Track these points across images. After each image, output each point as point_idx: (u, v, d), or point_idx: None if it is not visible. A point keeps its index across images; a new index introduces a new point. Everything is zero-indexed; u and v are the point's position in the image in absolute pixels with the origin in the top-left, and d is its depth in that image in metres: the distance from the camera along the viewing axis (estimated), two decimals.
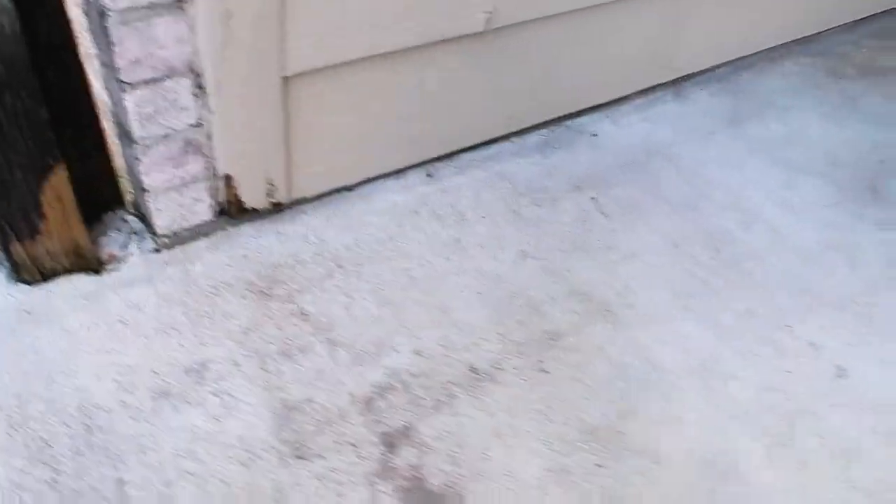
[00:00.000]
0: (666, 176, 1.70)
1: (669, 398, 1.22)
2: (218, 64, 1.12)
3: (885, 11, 2.61)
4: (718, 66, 2.14)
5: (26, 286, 1.23)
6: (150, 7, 1.03)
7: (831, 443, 1.18)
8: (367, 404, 1.16)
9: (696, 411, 1.20)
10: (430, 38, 1.36)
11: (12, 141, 1.04)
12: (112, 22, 1.01)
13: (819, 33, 2.41)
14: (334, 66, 1.28)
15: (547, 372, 1.24)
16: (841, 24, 2.47)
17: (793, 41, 2.33)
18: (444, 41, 1.40)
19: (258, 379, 1.16)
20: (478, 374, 1.22)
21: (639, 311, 1.36)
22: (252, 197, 1.35)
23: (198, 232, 1.36)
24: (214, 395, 1.13)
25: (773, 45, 2.27)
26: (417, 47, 1.36)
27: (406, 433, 1.12)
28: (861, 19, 2.54)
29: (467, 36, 1.42)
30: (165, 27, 1.06)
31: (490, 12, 1.38)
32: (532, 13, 1.48)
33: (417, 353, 1.24)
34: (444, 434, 1.13)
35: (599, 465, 1.11)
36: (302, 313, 1.27)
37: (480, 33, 1.43)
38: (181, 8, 1.05)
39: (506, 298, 1.35)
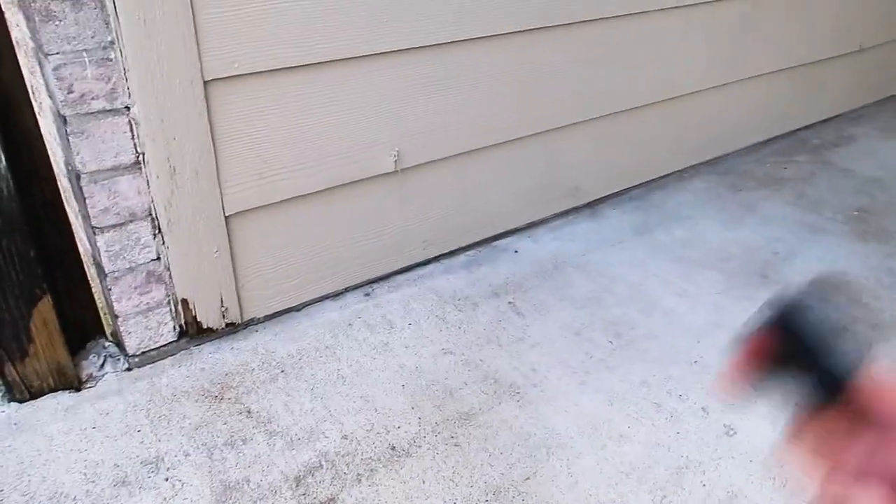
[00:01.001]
0: (575, 279, 1.95)
1: (566, 459, 1.39)
2: (169, 208, 1.44)
3: (785, 134, 2.98)
4: (631, 189, 2.46)
5: (17, 404, 1.47)
6: (114, 169, 1.36)
7: (717, 492, 1.32)
8: (297, 481, 1.34)
9: (590, 469, 1.36)
10: (349, 178, 1.69)
11: (6, 275, 1.34)
12: (85, 181, 1.34)
13: (726, 154, 2.76)
14: (269, 206, 1.60)
15: (458, 445, 1.42)
16: (746, 146, 2.82)
17: (702, 163, 2.67)
18: (365, 180, 1.73)
19: (204, 466, 1.36)
20: (396, 452, 1.40)
21: (541, 389, 1.55)
22: (208, 318, 1.62)
23: (164, 351, 1.61)
24: (166, 480, 1.33)
25: (683, 166, 2.61)
26: (341, 186, 1.69)
27: (331, 503, 1.30)
28: (764, 141, 2.89)
29: (383, 175, 1.75)
30: (127, 183, 1.39)
31: (396, 155, 1.72)
32: (433, 155, 1.82)
33: (344, 437, 1.43)
34: (362, 501, 1.30)
35: None
36: (248, 411, 1.49)
37: (393, 172, 1.76)
38: (138, 168, 1.38)
39: (425, 387, 1.56)
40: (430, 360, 1.63)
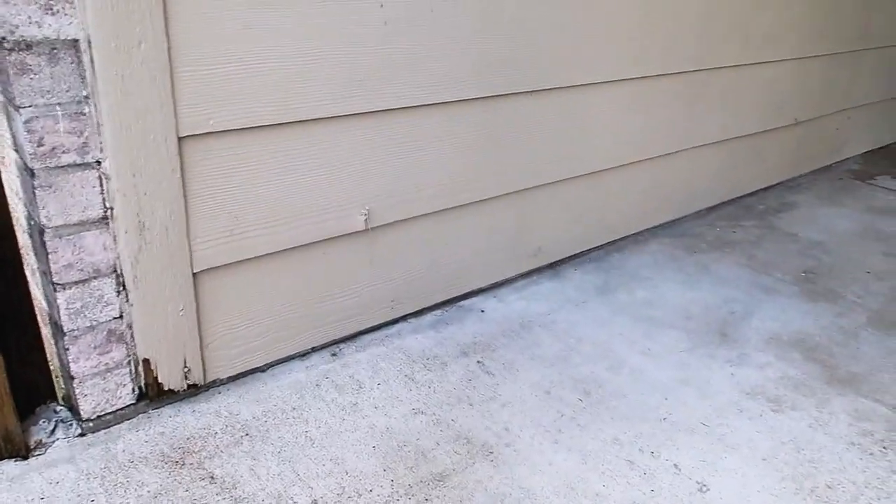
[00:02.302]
0: (542, 338, 1.96)
1: None
2: (136, 265, 1.40)
3: (731, 199, 3.12)
4: (591, 250, 2.52)
5: None
6: (81, 224, 1.33)
7: None
8: None
9: None
10: (320, 236, 1.69)
11: None
12: (49, 236, 1.29)
13: (679, 219, 2.86)
14: (238, 263, 1.57)
15: None
16: (696, 210, 2.94)
17: (657, 226, 2.76)
18: (335, 238, 1.72)
19: None
20: None
21: (515, 448, 1.53)
22: (170, 379, 1.56)
23: (121, 415, 1.53)
24: None
25: (639, 230, 2.69)
26: (311, 244, 1.68)
27: None
28: (712, 206, 3.02)
29: (353, 233, 1.75)
30: (93, 238, 1.35)
31: (366, 214, 1.73)
32: (403, 214, 1.83)
33: (314, 501, 1.38)
34: None
35: None
36: (211, 476, 1.42)
37: (364, 231, 1.76)
38: (105, 223, 1.35)
39: (396, 448, 1.52)
40: (401, 420, 1.60)
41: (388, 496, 1.40)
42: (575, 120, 2.18)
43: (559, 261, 2.40)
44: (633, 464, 1.51)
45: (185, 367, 1.57)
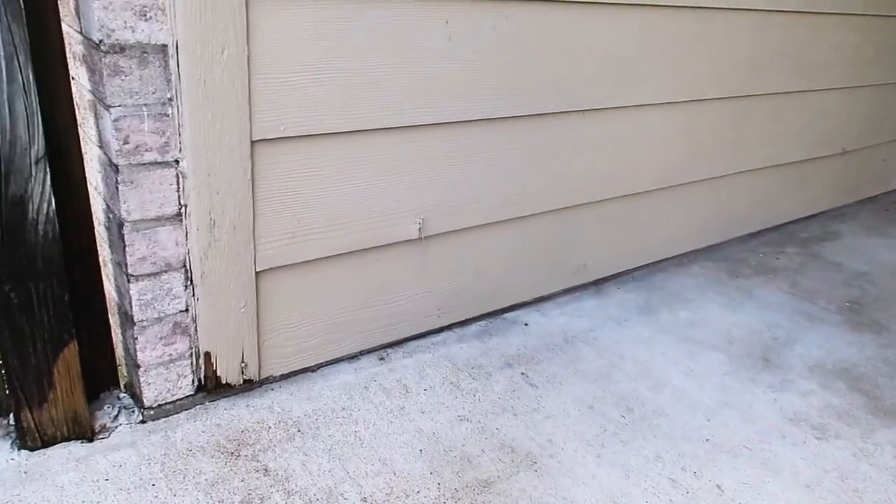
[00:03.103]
0: (585, 354, 1.98)
1: None
2: (204, 261, 1.46)
3: (775, 226, 3.11)
4: (634, 270, 2.53)
5: (27, 451, 1.44)
6: (157, 219, 1.39)
7: None
8: None
9: None
10: (375, 243, 1.74)
11: (39, 318, 1.34)
12: (127, 229, 1.36)
13: (721, 243, 2.86)
14: (297, 264, 1.63)
15: None
16: (739, 235, 2.94)
17: (699, 249, 2.77)
18: (389, 245, 1.77)
19: None
20: None
21: (558, 459, 1.56)
22: (228, 373, 1.62)
23: (180, 405, 1.59)
24: None
25: (681, 252, 2.70)
26: (366, 249, 1.73)
27: None
28: (755, 232, 3.02)
29: (406, 241, 1.80)
30: (167, 234, 1.42)
31: (420, 223, 1.78)
32: (454, 226, 1.88)
33: (363, 499, 1.42)
34: None
35: None
36: (265, 469, 1.47)
37: (416, 240, 1.81)
38: (179, 220, 1.42)
39: (443, 452, 1.55)
40: (447, 426, 1.64)
41: (435, 499, 1.43)
42: (621, 140, 2.21)
43: (602, 278, 2.42)
44: (675, 482, 1.52)
45: (243, 362, 1.62)
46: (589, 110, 2.06)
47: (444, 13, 1.62)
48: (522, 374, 1.87)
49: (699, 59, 2.29)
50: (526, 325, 2.12)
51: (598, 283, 2.41)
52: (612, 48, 2.01)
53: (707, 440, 1.66)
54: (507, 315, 2.16)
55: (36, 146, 1.24)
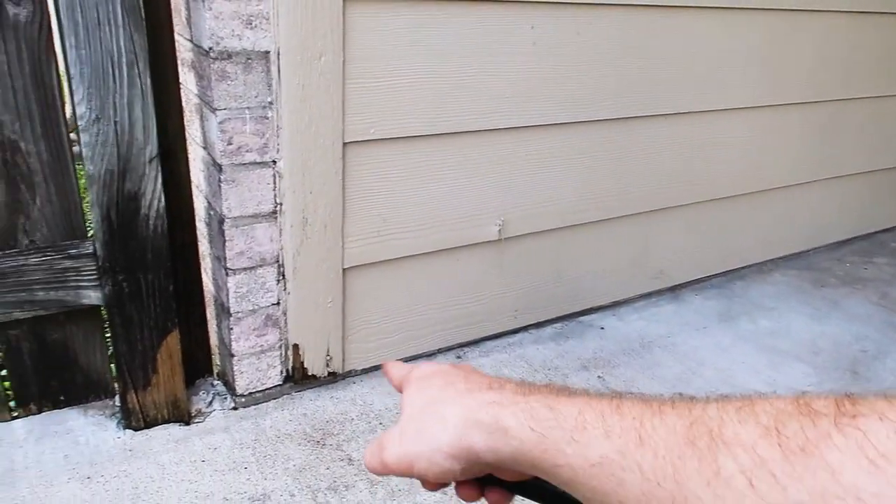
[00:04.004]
0: (662, 359, 1.97)
1: None
2: (296, 257, 1.53)
3: (864, 235, 2.99)
4: (713, 277, 2.49)
5: (132, 431, 1.54)
6: (254, 216, 1.47)
7: None
8: None
9: None
10: (457, 243, 1.78)
11: (147, 307, 1.43)
12: (227, 225, 1.45)
13: (806, 251, 2.78)
14: (382, 262, 1.68)
15: None
16: (825, 244, 2.84)
17: (782, 257, 2.70)
18: (469, 245, 1.81)
19: None
20: None
21: None
22: (314, 365, 1.68)
23: (268, 394, 1.67)
24: None
25: (763, 259, 2.64)
26: (448, 249, 1.77)
27: None
28: (843, 241, 2.91)
29: (486, 242, 1.83)
30: (263, 230, 1.49)
31: (500, 224, 1.81)
32: (533, 227, 1.90)
33: (444, 492, 1.45)
34: None
35: None
36: (348, 458, 1.53)
37: (496, 240, 1.84)
38: (274, 217, 1.49)
39: None
40: None
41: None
42: (704, 144, 2.18)
43: (680, 284, 2.39)
44: None
45: (328, 355, 1.69)
46: (672, 114, 2.04)
47: (530, 18, 1.65)
48: (599, 377, 1.87)
49: (789, 61, 2.23)
50: (602, 328, 2.12)
51: (675, 290, 2.38)
52: (696, 51, 1.99)
53: None
54: (582, 318, 2.16)
55: (150, 147, 1.33)
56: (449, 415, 0.46)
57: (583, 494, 0.39)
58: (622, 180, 2.03)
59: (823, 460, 0.28)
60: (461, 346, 1.95)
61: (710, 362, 1.96)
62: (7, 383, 1.52)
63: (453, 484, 0.51)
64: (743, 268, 2.58)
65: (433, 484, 0.50)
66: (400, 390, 0.54)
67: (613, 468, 0.36)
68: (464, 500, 0.52)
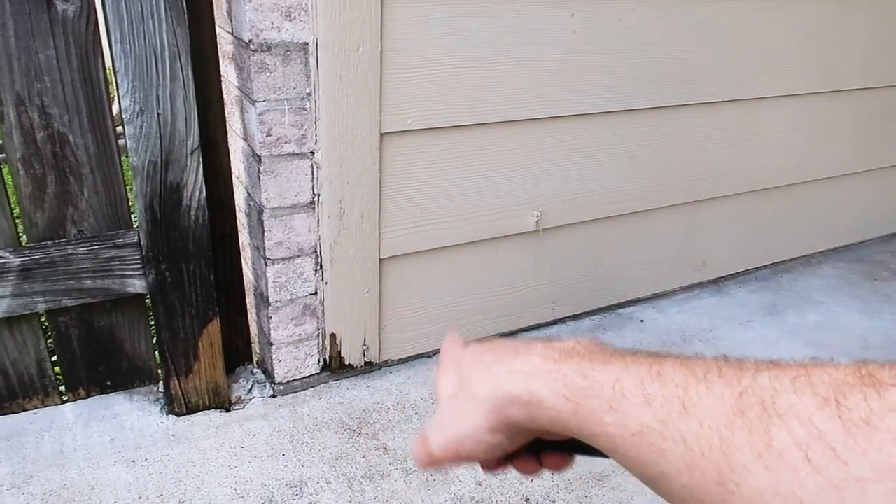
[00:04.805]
0: (704, 353, 1.92)
1: None
2: (334, 247, 1.55)
3: None
4: (757, 269, 2.43)
5: (174, 416, 1.58)
6: (292, 207, 1.49)
7: None
8: None
9: None
10: (494, 234, 1.77)
11: (188, 296, 1.47)
12: (266, 216, 1.46)
13: (857, 243, 2.69)
14: (418, 253, 1.69)
15: None
16: (878, 235, 2.74)
17: (831, 249, 2.61)
18: (506, 236, 1.80)
19: (345, 495, 1.41)
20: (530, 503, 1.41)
21: None
22: (351, 355, 1.70)
23: (306, 383, 1.69)
24: None
25: (811, 252, 2.56)
26: (485, 240, 1.77)
27: None
28: None
29: (524, 233, 1.82)
30: (301, 221, 1.51)
31: (538, 215, 1.79)
32: (571, 219, 1.87)
33: (478, 483, 1.46)
34: None
35: None
36: (384, 447, 1.54)
37: (534, 231, 1.82)
38: (312, 208, 1.50)
39: None
40: None
41: (549, 488, 1.45)
42: (749, 133, 2.12)
43: (723, 277, 2.34)
44: None
45: (365, 344, 1.70)
46: (716, 102, 1.99)
47: (570, 6, 1.62)
48: None
49: (840, 46, 2.15)
50: (642, 321, 2.09)
51: (718, 282, 2.33)
52: (742, 37, 1.94)
53: None
54: (621, 311, 2.13)
55: (191, 138, 1.36)
56: (481, 392, 0.45)
57: (624, 463, 0.38)
58: (664, 170, 1.99)
59: (891, 433, 0.26)
60: (497, 337, 1.95)
61: (754, 357, 1.91)
62: (57, 368, 1.57)
63: (510, 466, 0.51)
64: (790, 260, 2.51)
65: (491, 463, 0.50)
66: None
67: (654, 437, 0.35)
68: (525, 474, 0.51)
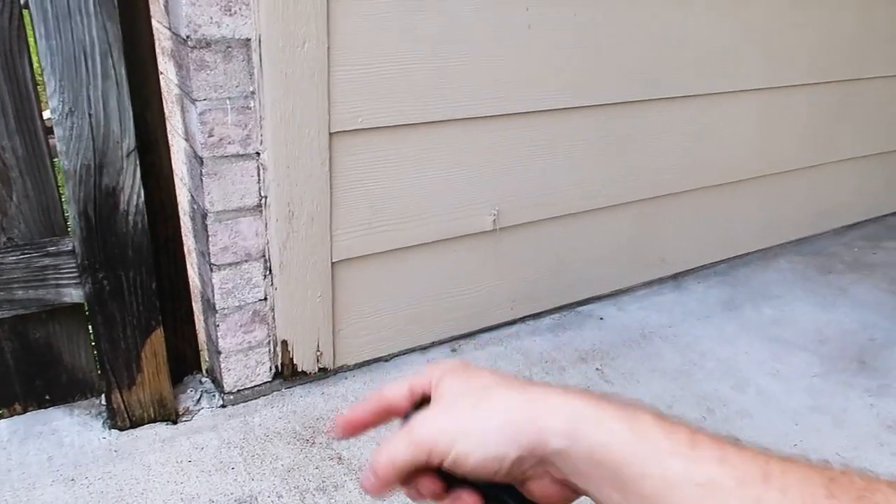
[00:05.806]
0: (663, 350, 1.92)
1: None
2: (283, 251, 1.49)
3: (874, 218, 2.92)
4: (716, 263, 2.43)
5: (118, 431, 1.51)
6: (238, 210, 1.42)
7: None
8: None
9: None
10: (450, 234, 1.73)
11: (129, 305, 1.39)
12: (211, 220, 1.40)
13: (812, 236, 2.71)
14: (372, 255, 1.64)
15: None
16: (832, 228, 2.78)
17: (787, 242, 2.63)
18: (463, 236, 1.76)
19: None
20: None
21: None
22: (304, 361, 1.65)
23: (258, 391, 1.64)
24: None
25: (768, 245, 2.58)
26: (441, 241, 1.73)
27: None
28: (851, 225, 2.84)
29: (481, 233, 1.78)
30: (248, 224, 1.45)
31: (495, 214, 1.75)
32: (529, 217, 1.84)
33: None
34: None
35: None
36: (338, 457, 1.49)
37: (491, 231, 1.79)
38: (259, 211, 1.44)
39: None
40: None
41: None
42: (706, 128, 2.12)
43: (682, 272, 2.34)
44: None
45: (318, 350, 1.65)
46: (673, 98, 1.97)
47: (525, 0, 1.58)
48: (597, 369, 1.83)
49: (794, 43, 2.16)
50: (601, 318, 2.07)
51: (677, 277, 2.33)
52: (699, 33, 1.92)
53: (795, 445, 1.58)
54: (581, 308, 2.12)
55: (127, 140, 1.29)
56: (515, 397, 0.42)
57: None
58: (622, 166, 1.97)
59: None
60: (456, 338, 1.91)
61: (713, 353, 1.92)
62: None
63: (403, 486, 0.45)
64: (747, 254, 2.52)
65: (438, 485, 0.44)
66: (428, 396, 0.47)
67: (724, 495, 0.33)
68: (423, 493, 0.45)
